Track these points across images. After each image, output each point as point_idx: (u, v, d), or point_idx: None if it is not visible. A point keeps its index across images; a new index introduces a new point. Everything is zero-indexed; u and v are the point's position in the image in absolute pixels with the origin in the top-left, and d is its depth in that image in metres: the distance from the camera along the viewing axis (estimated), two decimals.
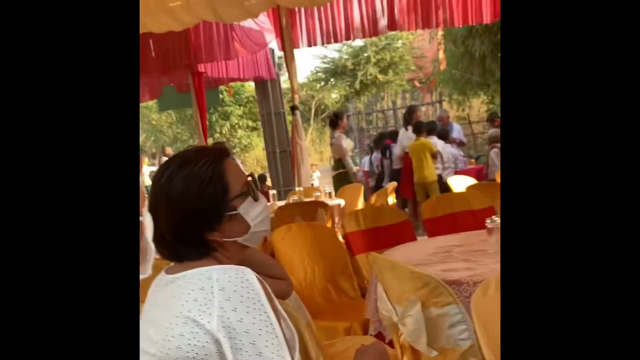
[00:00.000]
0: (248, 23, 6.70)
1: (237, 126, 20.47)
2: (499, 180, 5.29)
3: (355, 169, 6.73)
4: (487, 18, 6.08)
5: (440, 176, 6.99)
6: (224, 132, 20.12)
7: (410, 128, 7.26)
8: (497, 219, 2.37)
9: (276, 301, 1.12)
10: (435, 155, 6.89)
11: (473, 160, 8.49)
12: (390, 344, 1.95)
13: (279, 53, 7.87)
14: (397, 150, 7.70)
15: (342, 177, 6.63)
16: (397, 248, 2.57)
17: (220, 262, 1.19)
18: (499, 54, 9.92)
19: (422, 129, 6.96)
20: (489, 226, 2.36)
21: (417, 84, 18.61)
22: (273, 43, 6.89)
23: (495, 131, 7.44)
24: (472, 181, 5.40)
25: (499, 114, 9.11)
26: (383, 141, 8.21)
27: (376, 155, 8.37)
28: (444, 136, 7.69)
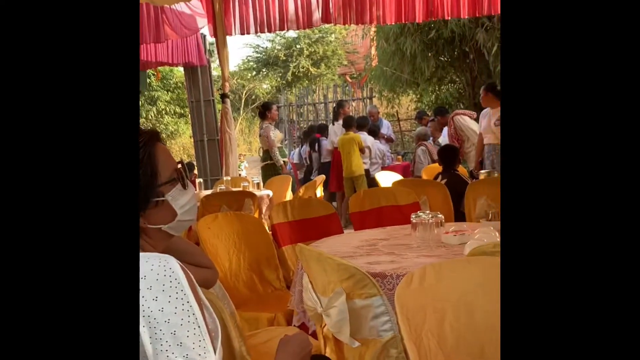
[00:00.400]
0: (180, 7, 6.54)
1: (164, 112, 19.96)
2: (424, 176, 5.43)
3: (282, 160, 6.66)
4: (419, 17, 6.21)
5: (367, 171, 7.09)
6: (150, 117, 19.57)
7: (339, 122, 7.32)
8: (422, 215, 2.44)
9: (200, 291, 1.10)
10: (363, 150, 6.97)
11: (400, 157, 8.67)
12: (314, 334, 1.96)
13: (210, 39, 7.74)
14: (326, 144, 7.74)
15: (270, 169, 6.60)
16: (324, 240, 2.58)
17: (143, 250, 1.16)
18: (429, 53, 10.15)
19: (352, 123, 7.04)
20: (414, 221, 2.42)
21: (348, 79, 18.79)
22: (205, 29, 6.75)
23: (422, 129, 7.60)
24: (398, 177, 5.53)
25: (427, 113, 9.31)
26: (313, 134, 8.23)
27: (305, 148, 8.39)
28: (374, 132, 7.81)
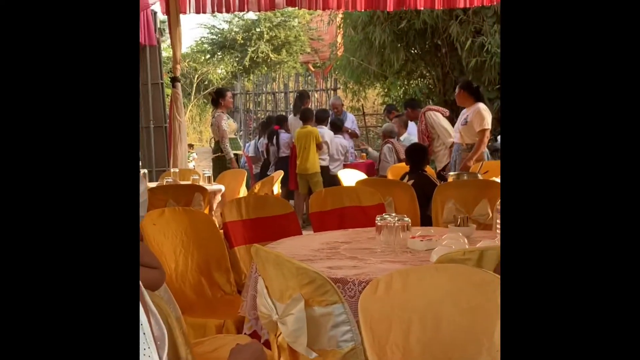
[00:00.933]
0: None
1: None
2: (390, 176, 5.45)
3: (233, 154, 6.49)
4: (390, 6, 6.24)
5: (327, 168, 7.08)
6: None
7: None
8: (387, 217, 2.46)
9: (146, 294, 1.08)
10: (320, 145, 6.95)
11: (364, 155, 8.70)
12: (266, 344, 1.95)
13: (162, 17, 7.61)
14: (285, 137, 7.71)
15: (221, 161, 6.50)
16: (282, 241, 2.59)
17: None
18: (399, 45, 10.23)
19: (309, 116, 7.03)
20: (379, 224, 2.45)
21: (311, 67, 18.74)
22: (156, 5, 6.64)
23: (389, 125, 7.62)
24: (362, 176, 5.55)
25: (397, 107, 9.35)
26: (271, 126, 8.16)
27: (262, 140, 8.32)
28: (338, 125, 7.80)
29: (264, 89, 13.89)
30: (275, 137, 7.79)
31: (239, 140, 7.97)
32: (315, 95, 12.74)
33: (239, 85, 14.57)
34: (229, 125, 6.57)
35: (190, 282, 2.86)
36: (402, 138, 7.31)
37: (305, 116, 7.03)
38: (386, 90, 12.20)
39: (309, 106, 8.11)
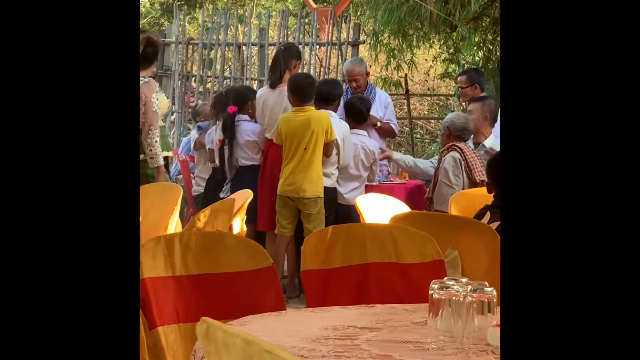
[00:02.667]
0: None
1: None
2: (455, 210, 3.64)
3: (162, 158, 3.88)
4: None
5: (335, 191, 4.50)
6: None
7: (284, 88, 4.48)
8: (452, 285, 1.78)
9: None
10: (329, 149, 4.34)
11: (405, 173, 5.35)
12: None
13: None
14: (251, 128, 4.72)
15: (140, 169, 4.12)
16: (249, 320, 1.85)
17: None
18: None
19: (306, 91, 4.38)
20: (435, 297, 1.77)
21: (311, 3, 12.85)
22: None
23: (459, 116, 4.53)
24: (402, 208, 3.42)
25: (478, 78, 5.33)
26: (226, 107, 4.80)
27: (213, 131, 4.92)
28: (358, 113, 4.63)
29: (220, 38, 7.87)
30: (233, 127, 4.67)
31: (169, 132, 5.52)
32: (317, 53, 7.78)
33: (175, 28, 8.08)
34: (160, 102, 3.95)
35: None
36: (486, 142, 4.45)
37: (299, 90, 4.29)
38: (452, 50, 7.31)
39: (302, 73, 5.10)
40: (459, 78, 5.42)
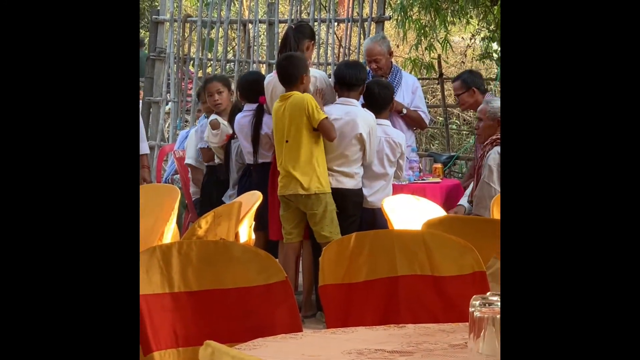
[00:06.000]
0: None
1: None
2: (498, 215, 3.31)
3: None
4: None
5: (359, 193, 4.00)
6: None
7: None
8: (495, 301, 1.66)
9: None
10: (327, 129, 3.81)
11: (439, 166, 4.84)
12: None
13: None
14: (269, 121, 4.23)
15: None
16: (261, 342, 1.74)
17: None
18: None
19: (290, 70, 3.89)
20: (477, 314, 1.69)
21: None
22: None
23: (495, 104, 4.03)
24: (437, 211, 3.29)
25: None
26: (255, 95, 4.22)
27: (222, 127, 4.39)
28: (382, 100, 4.08)
29: (222, 14, 6.78)
30: (257, 122, 4.14)
31: (162, 123, 5.11)
32: (335, 31, 6.94)
33: (168, 3, 6.91)
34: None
35: None
36: None
37: (283, 71, 3.87)
38: (493, 27, 6.71)
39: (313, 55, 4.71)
40: (452, 85, 4.93)
